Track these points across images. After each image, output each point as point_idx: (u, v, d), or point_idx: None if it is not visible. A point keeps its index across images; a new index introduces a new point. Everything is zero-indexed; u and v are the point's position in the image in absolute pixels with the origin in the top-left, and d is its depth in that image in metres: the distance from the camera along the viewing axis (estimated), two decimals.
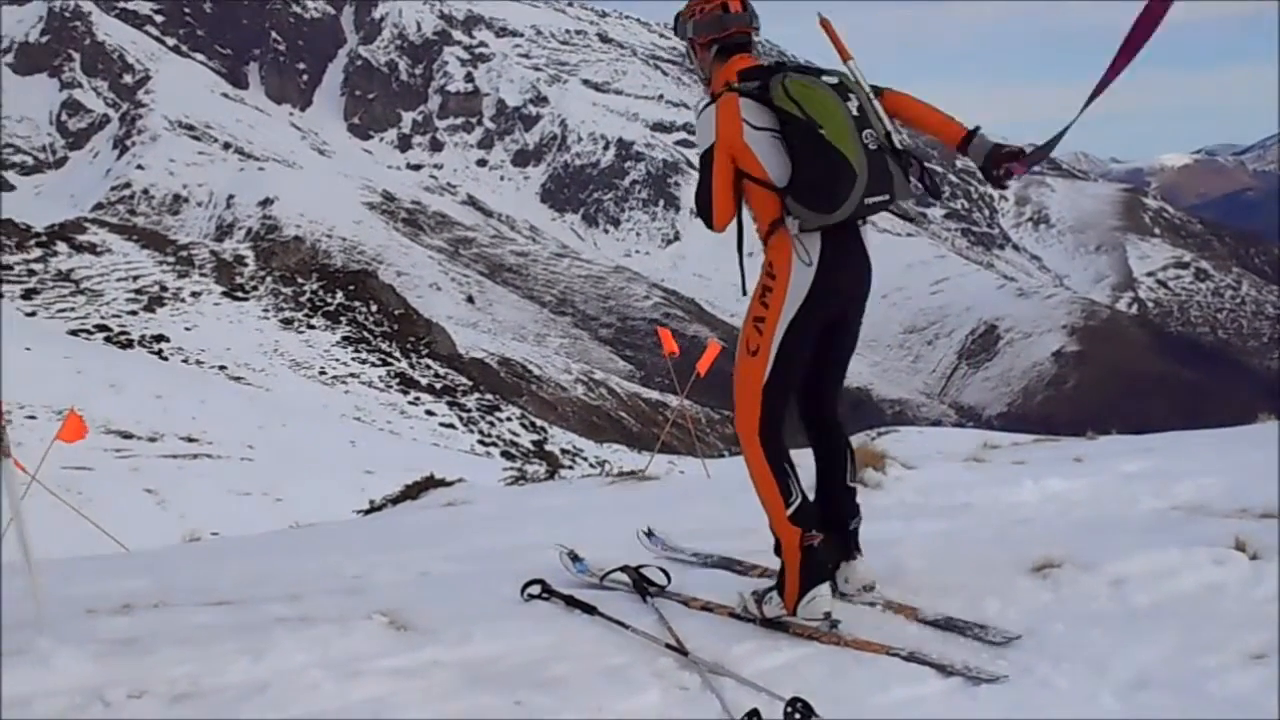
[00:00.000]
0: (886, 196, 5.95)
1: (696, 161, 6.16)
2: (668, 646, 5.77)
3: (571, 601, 6.36)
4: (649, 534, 7.91)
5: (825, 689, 5.37)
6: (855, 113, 5.88)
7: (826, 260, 5.95)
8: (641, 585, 6.61)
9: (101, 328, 54.85)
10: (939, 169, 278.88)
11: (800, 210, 5.84)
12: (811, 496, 6.21)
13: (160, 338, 54.61)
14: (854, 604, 6.24)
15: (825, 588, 6.01)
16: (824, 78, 5.97)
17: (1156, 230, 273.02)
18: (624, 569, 6.80)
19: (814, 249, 5.92)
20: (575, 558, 7.22)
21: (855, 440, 7.09)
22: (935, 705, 5.27)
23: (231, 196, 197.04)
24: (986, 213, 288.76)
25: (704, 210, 6.07)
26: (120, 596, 6.92)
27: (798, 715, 4.96)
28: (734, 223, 6.15)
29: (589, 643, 5.93)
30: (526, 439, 56.60)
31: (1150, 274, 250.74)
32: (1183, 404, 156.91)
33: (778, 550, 6.15)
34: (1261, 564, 6.33)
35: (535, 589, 6.55)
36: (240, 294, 62.95)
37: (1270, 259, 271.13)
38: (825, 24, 6.19)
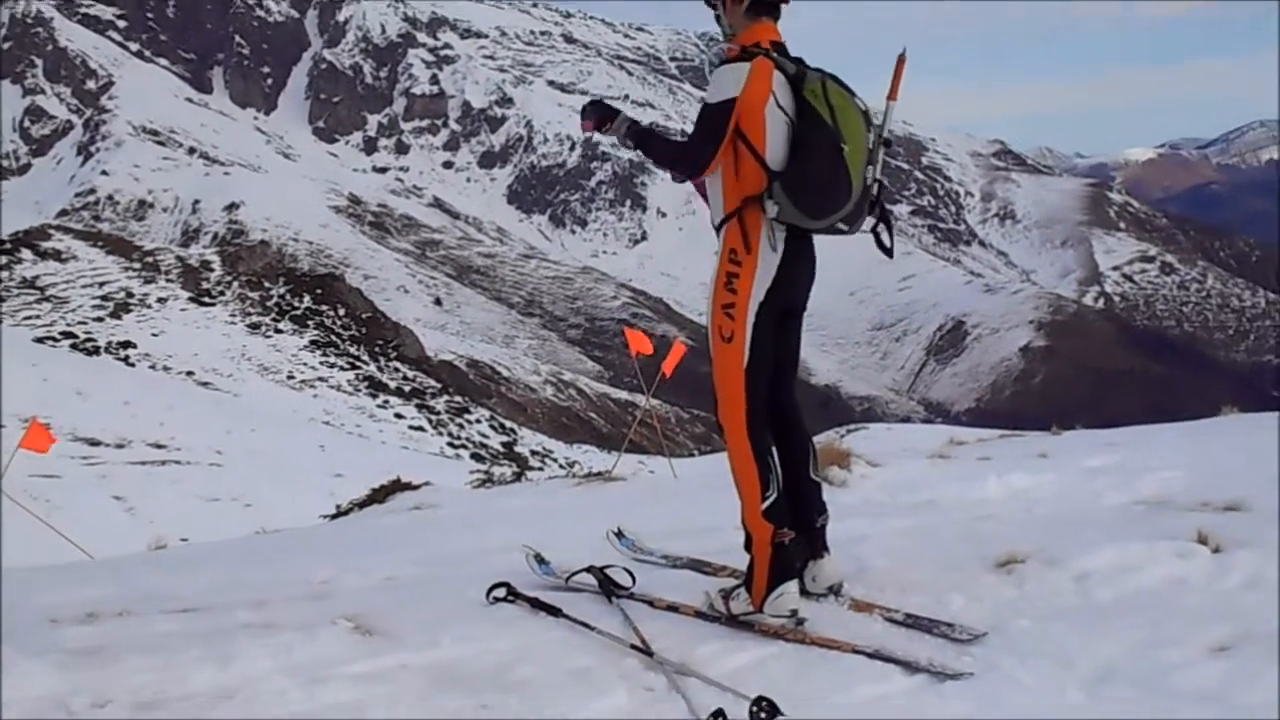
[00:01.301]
0: (849, 228, 6.03)
1: (702, 104, 6.11)
2: (633, 648, 5.76)
3: (537, 604, 6.35)
4: (619, 535, 7.89)
5: (791, 688, 5.36)
6: (870, 145, 5.94)
7: (789, 252, 6.01)
8: (607, 586, 6.60)
9: (68, 334, 54.61)
10: (905, 165, 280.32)
11: (785, 203, 5.85)
12: None
13: (127, 344, 54.39)
14: (820, 602, 6.25)
15: (793, 585, 6.02)
16: (856, 99, 5.99)
17: (1122, 224, 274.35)
18: (589, 570, 6.78)
19: (780, 239, 5.96)
20: (541, 560, 7.21)
21: (823, 438, 7.12)
22: (901, 703, 5.27)
23: (197, 202, 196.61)
24: (953, 209, 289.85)
25: (695, 157, 6.05)
26: (84, 605, 6.89)
27: (763, 714, 4.95)
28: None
29: (554, 645, 5.92)
30: (496, 441, 56.57)
31: (1116, 268, 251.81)
32: (1150, 397, 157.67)
33: (748, 545, 6.15)
34: (1224, 557, 6.36)
35: (500, 592, 6.54)
36: (207, 299, 62.75)
37: (1235, 252, 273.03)
38: (901, 62, 6.15)
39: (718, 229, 6.12)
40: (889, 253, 6.16)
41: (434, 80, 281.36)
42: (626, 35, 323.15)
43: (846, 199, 5.87)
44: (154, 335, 56.65)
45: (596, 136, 6.39)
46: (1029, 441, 12.84)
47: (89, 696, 5.30)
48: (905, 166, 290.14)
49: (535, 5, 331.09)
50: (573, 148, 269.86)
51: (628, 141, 6.26)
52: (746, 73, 5.92)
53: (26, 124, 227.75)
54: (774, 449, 6.18)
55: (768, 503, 6.03)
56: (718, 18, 6.30)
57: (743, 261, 5.99)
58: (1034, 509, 8.35)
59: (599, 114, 6.34)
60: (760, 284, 5.99)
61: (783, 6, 6.23)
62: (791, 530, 6.08)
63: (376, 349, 63.98)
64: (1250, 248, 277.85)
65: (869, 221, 6.14)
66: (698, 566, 7.26)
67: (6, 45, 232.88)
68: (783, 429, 6.31)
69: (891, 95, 6.12)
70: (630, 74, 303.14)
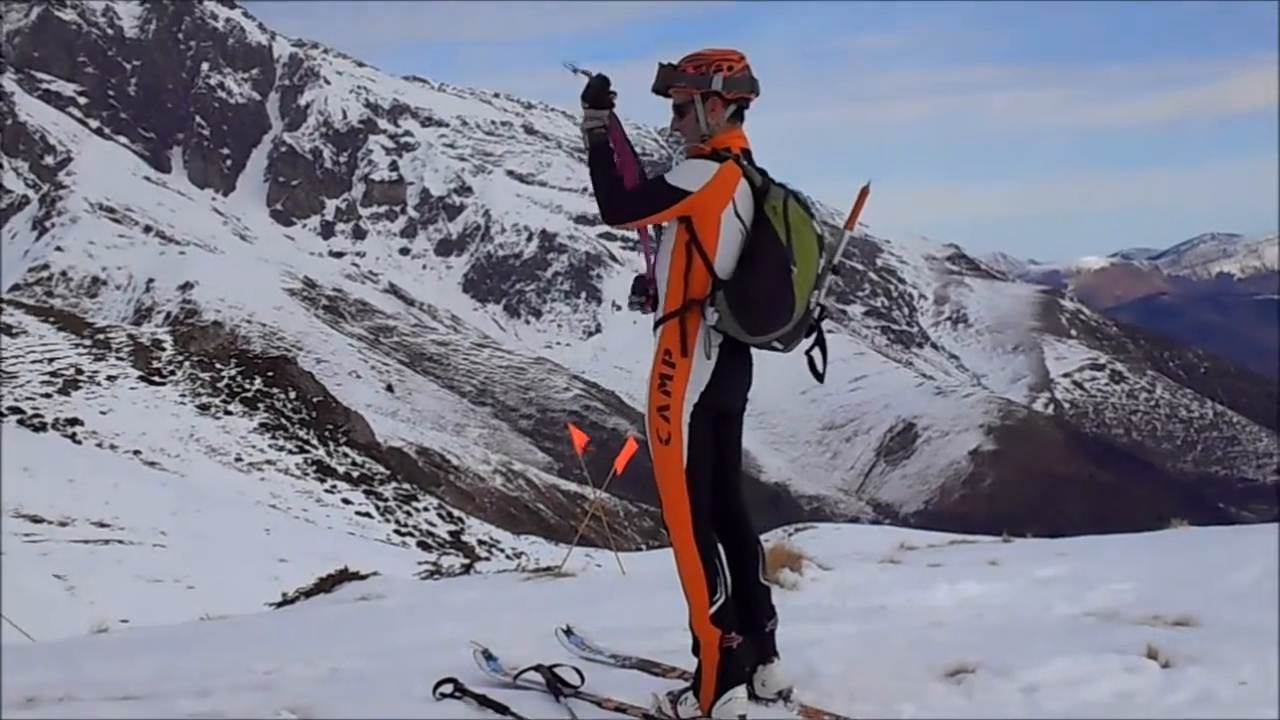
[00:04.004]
0: (784, 347, 6.10)
1: (658, 175, 6.09)
2: None
3: (484, 701, 6.29)
4: (567, 632, 7.84)
5: None
6: (819, 270, 5.99)
7: (723, 363, 6.01)
8: (555, 685, 6.55)
9: (15, 410, 54.13)
10: (860, 266, 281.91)
11: (725, 313, 5.86)
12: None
13: (74, 421, 53.92)
14: (769, 707, 6.21)
15: (741, 690, 5.99)
16: (815, 223, 6.02)
17: (1073, 331, 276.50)
18: (538, 668, 6.72)
19: (715, 348, 5.96)
20: (489, 656, 7.15)
21: (772, 536, 7.11)
22: None
23: (151, 280, 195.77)
24: (906, 311, 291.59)
25: (619, 209, 6.08)
26: (25, 689, 6.81)
27: None
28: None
29: None
30: (443, 529, 56.18)
31: (1067, 375, 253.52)
32: (1097, 504, 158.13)
33: (695, 650, 6.11)
34: (1173, 672, 6.37)
35: (448, 688, 6.47)
36: (157, 378, 62.36)
37: (1184, 363, 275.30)
38: (864, 193, 6.17)
39: (655, 326, 6.14)
40: (820, 378, 6.17)
41: (393, 166, 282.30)
42: None
43: (787, 319, 5.91)
44: (102, 413, 56.21)
45: (584, 110, 6.34)
46: (980, 549, 12.86)
47: None
48: (860, 267, 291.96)
49: (497, 95, 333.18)
50: (529, 239, 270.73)
51: (587, 137, 6.25)
52: (713, 173, 5.94)
53: None
54: (721, 551, 6.16)
55: (715, 607, 6.00)
56: (677, 112, 6.29)
57: (676, 364, 6.00)
58: (984, 618, 8.36)
59: (597, 94, 6.32)
60: (694, 388, 5.99)
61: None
62: (740, 635, 6.04)
63: (326, 433, 63.65)
64: (1199, 359, 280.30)
65: (805, 343, 6.17)
66: (646, 667, 7.21)
67: None
68: (730, 531, 6.28)
69: (849, 225, 6.16)
70: None
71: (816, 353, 6.20)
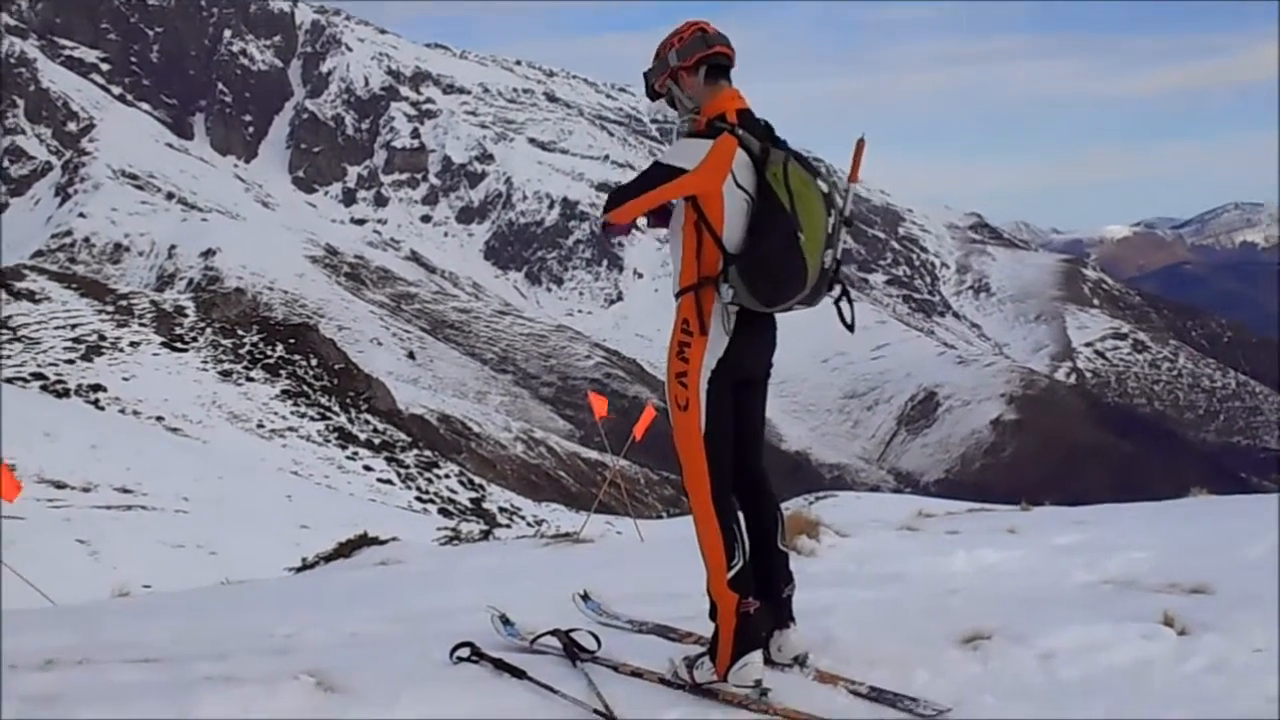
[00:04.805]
0: (806, 306, 6.08)
1: (647, 162, 6.13)
2: (595, 712, 5.73)
3: (501, 665, 6.30)
4: (584, 598, 7.86)
5: None
6: (829, 229, 5.94)
7: (740, 334, 6.02)
8: (571, 650, 6.56)
9: (38, 376, 54.29)
10: (882, 235, 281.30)
11: (740, 288, 5.87)
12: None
13: (97, 387, 54.06)
14: (785, 672, 6.22)
15: (758, 655, 5.99)
16: (819, 181, 5.98)
17: (1096, 301, 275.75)
18: (554, 633, 6.74)
19: (732, 320, 5.98)
20: (506, 620, 7.17)
21: (792, 505, 7.11)
22: None
23: (173, 247, 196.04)
24: (928, 279, 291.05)
25: (615, 203, 6.14)
26: (43, 652, 6.83)
27: None
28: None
29: (517, 707, 5.88)
30: (464, 496, 56.27)
31: (1089, 344, 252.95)
32: (1119, 474, 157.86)
33: (713, 614, 6.11)
34: (1189, 640, 6.37)
35: (465, 651, 6.48)
36: (179, 345, 62.48)
37: (1207, 332, 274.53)
38: (860, 145, 6.17)
39: (676, 296, 6.15)
40: (850, 327, 6.15)
41: (415, 134, 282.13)
42: (608, 95, 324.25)
43: (801, 286, 5.88)
44: (125, 379, 56.34)
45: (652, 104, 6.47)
46: (998, 517, 12.84)
47: None
48: (881, 236, 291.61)
49: (519, 63, 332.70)
50: (551, 206, 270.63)
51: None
52: (707, 150, 5.94)
53: (5, 164, 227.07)
54: (740, 517, 6.17)
55: (733, 571, 6.00)
56: (672, 101, 6.34)
57: (693, 333, 6.01)
58: (1001, 585, 8.35)
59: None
60: (711, 355, 6.00)
61: (733, 62, 6.27)
62: (757, 600, 6.05)
63: (348, 400, 63.75)
64: (1222, 328, 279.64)
65: (832, 294, 6.16)
66: (663, 632, 7.23)
67: None
68: (750, 496, 6.30)
69: (852, 177, 6.15)
70: (611, 134, 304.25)
71: (844, 304, 6.17)
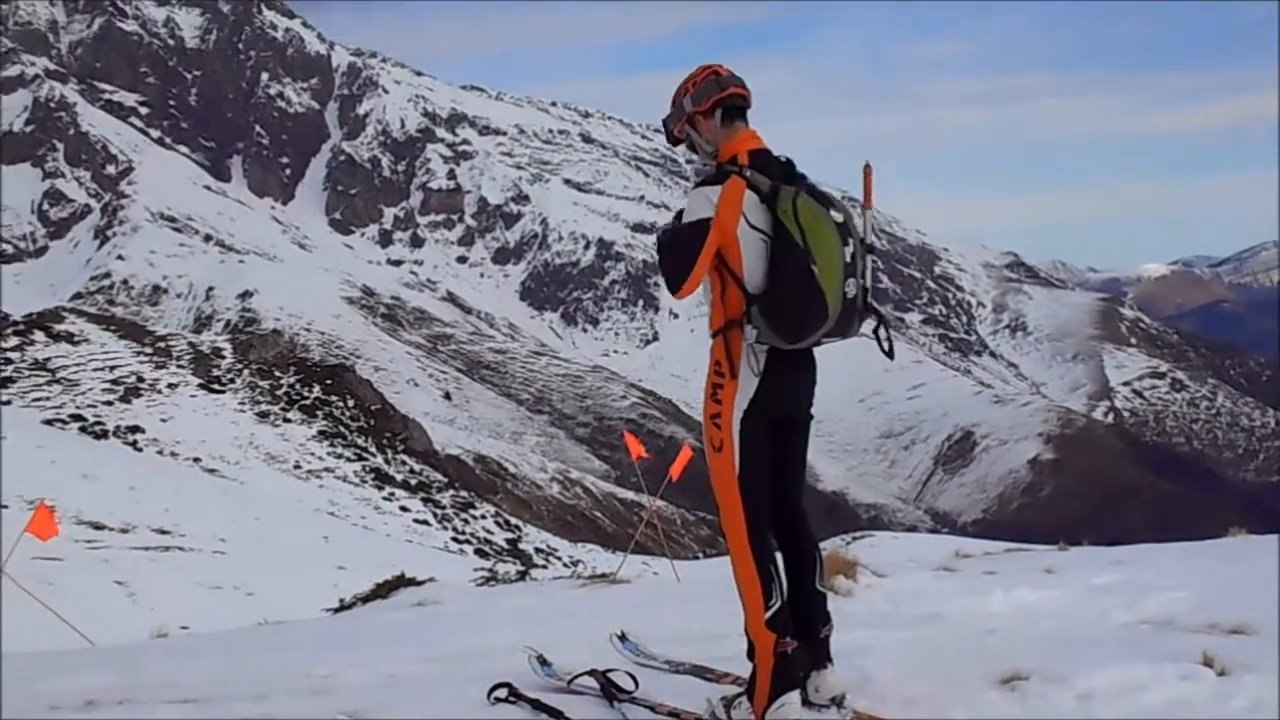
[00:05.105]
0: (840, 338, 6.08)
1: (676, 220, 6.18)
2: None
3: (538, 705, 6.31)
4: (622, 638, 7.87)
5: None
6: (848, 259, 5.95)
7: (772, 373, 6.04)
8: (609, 690, 6.56)
9: (76, 417, 54.61)
10: (917, 274, 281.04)
11: (763, 327, 5.91)
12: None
13: (135, 429, 54.34)
14: (822, 713, 6.21)
15: (795, 696, 6.00)
16: (833, 212, 5.99)
17: (1133, 340, 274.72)
18: (592, 673, 6.75)
19: (762, 361, 6.01)
20: (543, 661, 7.18)
21: (829, 545, 7.11)
22: None
23: (211, 288, 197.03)
24: (964, 319, 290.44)
25: (678, 276, 6.09)
26: (85, 693, 6.88)
27: None
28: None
29: None
30: (501, 537, 56.35)
31: (1126, 383, 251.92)
32: (1158, 514, 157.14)
33: (750, 654, 6.12)
34: (1229, 680, 6.34)
35: (502, 692, 6.50)
36: (217, 386, 62.80)
37: (1245, 371, 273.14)
38: (867, 172, 6.25)
39: (711, 337, 6.20)
40: (890, 354, 6.16)
41: (451, 175, 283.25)
42: (644, 136, 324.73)
43: (823, 319, 5.89)
44: (163, 420, 56.64)
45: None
46: (1035, 557, 12.81)
47: None
48: (918, 275, 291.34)
49: (554, 104, 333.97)
50: (587, 246, 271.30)
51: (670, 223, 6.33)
52: (718, 195, 6.01)
53: (45, 206, 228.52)
54: (778, 557, 6.18)
55: (770, 611, 6.01)
56: (692, 146, 6.40)
57: (725, 374, 6.05)
58: (1039, 625, 8.34)
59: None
60: (743, 396, 6.02)
61: (749, 102, 6.33)
62: (795, 640, 6.06)
63: (384, 441, 63.95)
64: (1261, 367, 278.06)
65: (869, 324, 6.18)
66: (700, 673, 7.22)
67: (29, 128, 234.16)
68: (788, 536, 6.30)
69: (866, 204, 6.19)
70: (646, 175, 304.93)
71: (882, 331, 6.18)
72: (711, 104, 6.24)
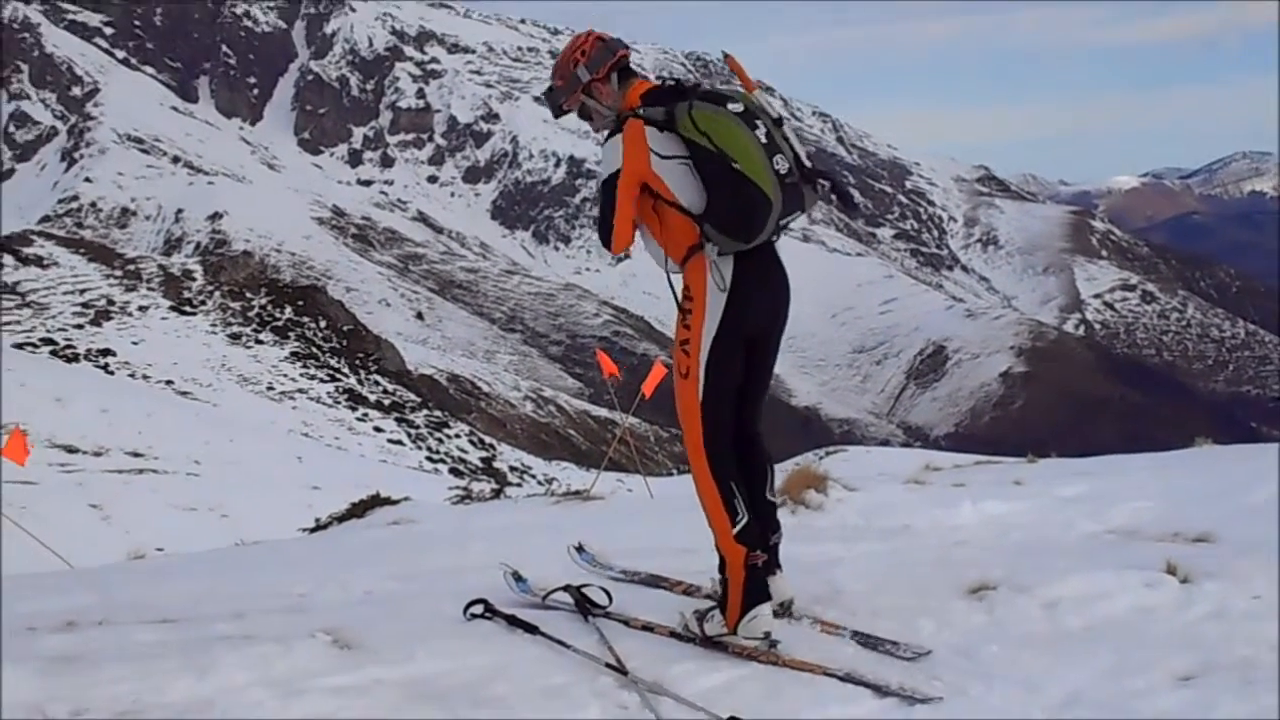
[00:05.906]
0: (798, 212, 6.12)
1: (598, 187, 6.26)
2: (608, 666, 5.82)
3: (514, 621, 6.38)
4: (579, 549, 7.97)
5: (762, 708, 5.44)
6: (763, 140, 6.00)
7: (740, 284, 6.10)
8: (583, 605, 6.65)
9: (47, 341, 54.43)
10: (888, 189, 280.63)
11: (718, 237, 5.99)
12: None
13: (107, 352, 54.18)
14: (793, 624, 6.31)
15: (766, 607, 6.10)
16: (729, 105, 6.05)
17: (1104, 252, 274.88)
18: (566, 588, 6.83)
19: (728, 273, 6.07)
20: (518, 577, 7.25)
21: (802, 459, 7.21)
22: None
23: (180, 210, 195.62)
24: (935, 233, 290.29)
25: (604, 235, 6.21)
26: (63, 614, 6.92)
27: None
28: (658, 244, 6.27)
29: (530, 662, 5.96)
30: (475, 456, 56.39)
31: (1097, 296, 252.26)
32: (1129, 425, 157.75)
33: (722, 569, 6.21)
34: (1192, 588, 6.45)
35: (478, 608, 6.57)
36: (188, 308, 62.56)
37: (1216, 282, 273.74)
38: (730, 59, 6.33)
39: (670, 277, 6.30)
40: (854, 207, 6.23)
41: (420, 94, 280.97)
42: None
43: (767, 205, 5.95)
44: (134, 343, 56.45)
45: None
46: (1004, 469, 12.90)
47: (67, 704, 5.33)
48: (889, 190, 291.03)
49: (523, 21, 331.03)
50: (557, 164, 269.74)
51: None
52: (619, 143, 6.12)
53: (10, 129, 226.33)
54: (738, 473, 6.26)
55: (738, 527, 6.12)
56: (584, 115, 6.55)
57: (694, 298, 6.13)
58: (1007, 536, 8.44)
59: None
60: (710, 324, 6.09)
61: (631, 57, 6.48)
62: (764, 553, 6.15)
63: (357, 362, 63.82)
64: (1231, 278, 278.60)
65: (820, 192, 6.21)
66: (655, 582, 7.36)
67: None
68: (743, 451, 6.37)
69: (747, 87, 6.24)
70: None
71: (837, 193, 6.20)
72: (607, 70, 6.37)
